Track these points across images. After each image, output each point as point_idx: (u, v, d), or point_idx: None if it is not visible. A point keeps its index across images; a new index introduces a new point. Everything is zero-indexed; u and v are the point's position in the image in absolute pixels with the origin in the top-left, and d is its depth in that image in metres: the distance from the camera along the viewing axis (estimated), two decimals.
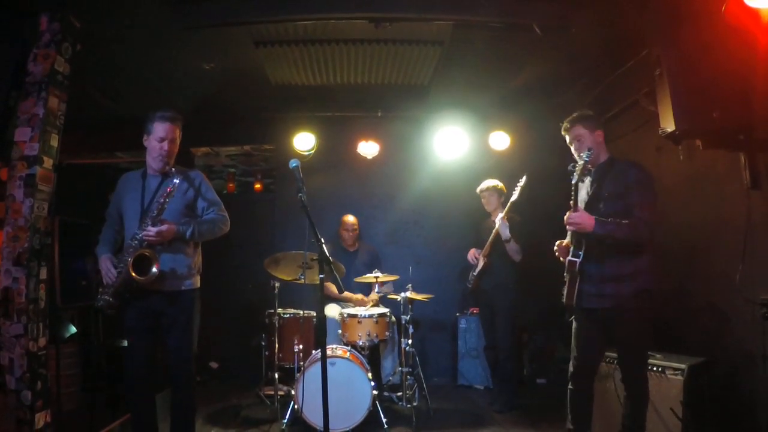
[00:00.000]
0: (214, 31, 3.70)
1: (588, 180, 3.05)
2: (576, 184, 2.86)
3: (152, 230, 2.84)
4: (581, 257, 2.86)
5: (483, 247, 4.43)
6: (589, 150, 2.86)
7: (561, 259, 3.03)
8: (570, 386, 3.01)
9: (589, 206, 2.90)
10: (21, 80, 3.14)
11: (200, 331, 3.16)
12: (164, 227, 2.87)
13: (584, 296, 2.88)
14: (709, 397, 3.19)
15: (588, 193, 2.99)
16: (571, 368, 3.00)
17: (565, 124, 3.10)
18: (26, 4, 3.19)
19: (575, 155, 3.06)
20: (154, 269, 2.85)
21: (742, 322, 3.23)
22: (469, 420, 4.22)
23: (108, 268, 2.89)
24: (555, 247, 3.05)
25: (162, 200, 2.87)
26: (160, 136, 2.97)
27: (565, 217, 2.86)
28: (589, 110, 3.17)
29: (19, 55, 3.15)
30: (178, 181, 2.93)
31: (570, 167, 2.96)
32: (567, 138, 3.11)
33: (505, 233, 4.25)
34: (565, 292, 2.97)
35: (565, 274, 2.98)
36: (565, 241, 3.01)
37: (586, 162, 2.85)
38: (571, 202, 2.85)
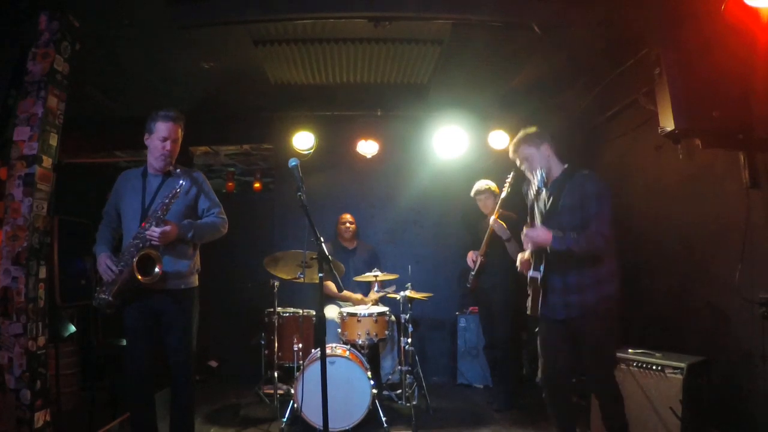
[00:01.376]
0: (214, 30, 3.70)
1: (544, 192, 3.04)
2: (531, 203, 2.91)
3: (156, 230, 2.83)
4: (542, 271, 2.87)
5: (480, 248, 4.42)
6: (541, 170, 2.89)
7: (524, 272, 3.04)
8: (545, 394, 2.99)
9: (547, 219, 2.90)
10: (20, 79, 3.13)
11: (199, 329, 3.17)
12: (168, 228, 2.86)
13: (551, 308, 2.88)
14: (708, 396, 3.19)
15: (545, 205, 2.98)
16: (540, 379, 2.99)
17: (511, 148, 3.12)
18: (25, 4, 3.19)
19: (528, 175, 3.07)
20: (157, 270, 2.85)
21: (741, 321, 3.23)
22: (469, 419, 4.23)
23: (107, 267, 2.88)
24: (517, 263, 3.08)
25: (167, 201, 2.88)
26: (162, 136, 2.97)
27: (522, 234, 2.89)
28: (531, 127, 3.16)
29: (18, 55, 3.15)
30: (184, 183, 2.94)
31: (524, 188, 3.04)
32: (517, 161, 3.12)
33: (504, 233, 4.25)
34: (529, 304, 2.97)
35: (528, 287, 2.99)
36: (526, 255, 3.01)
37: (540, 184, 2.88)
38: (528, 219, 2.92)
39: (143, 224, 2.88)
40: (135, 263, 2.80)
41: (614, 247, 2.83)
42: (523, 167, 3.09)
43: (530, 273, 2.92)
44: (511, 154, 3.14)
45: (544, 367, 2.96)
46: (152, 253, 2.85)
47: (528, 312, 2.98)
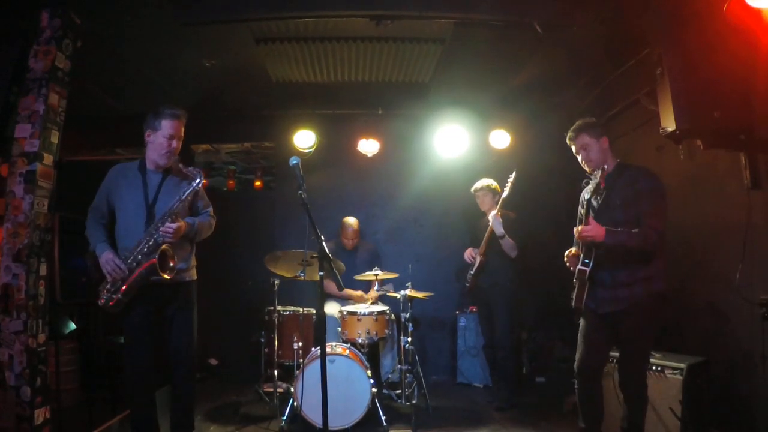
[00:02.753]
0: (215, 28, 3.70)
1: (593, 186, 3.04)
2: (588, 200, 2.85)
3: (172, 226, 2.86)
4: (590, 265, 2.86)
5: (479, 246, 4.43)
6: (603, 168, 2.86)
7: (571, 268, 3.02)
8: (576, 385, 3.01)
9: (599, 215, 2.89)
10: (21, 77, 3.14)
11: (200, 328, 3.18)
12: (182, 224, 2.92)
13: (598, 302, 2.88)
14: (708, 396, 3.19)
15: (597, 201, 2.97)
16: (576, 367, 3.01)
17: (570, 134, 3.06)
18: (27, 1, 3.18)
19: (583, 166, 3.04)
20: (172, 264, 2.89)
21: (741, 322, 3.24)
22: (468, 418, 4.22)
23: (116, 265, 2.85)
24: (565, 258, 3.05)
25: (184, 197, 2.93)
26: (169, 133, 2.99)
27: (576, 231, 2.85)
28: (591, 117, 3.13)
29: (20, 52, 3.15)
30: (199, 181, 2.99)
31: (584, 183, 2.98)
32: (573, 148, 3.07)
33: (499, 229, 4.25)
34: (574, 296, 2.97)
35: (574, 279, 2.98)
36: (574, 250, 3.01)
37: (598, 180, 2.84)
38: (582, 214, 2.86)
39: (160, 221, 2.88)
40: (157, 261, 2.81)
41: (664, 246, 2.82)
42: (578, 156, 3.04)
43: (579, 266, 2.90)
44: (567, 140, 3.08)
45: (582, 357, 2.98)
46: (168, 249, 2.88)
47: (572, 304, 2.98)
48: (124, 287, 2.84)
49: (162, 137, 2.99)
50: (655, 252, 2.80)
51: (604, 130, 3.04)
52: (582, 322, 3.02)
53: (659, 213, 2.80)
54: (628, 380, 2.90)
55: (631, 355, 2.90)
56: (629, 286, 2.80)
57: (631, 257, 2.78)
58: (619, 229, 2.75)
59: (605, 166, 2.86)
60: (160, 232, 2.85)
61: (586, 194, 3.03)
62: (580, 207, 3.19)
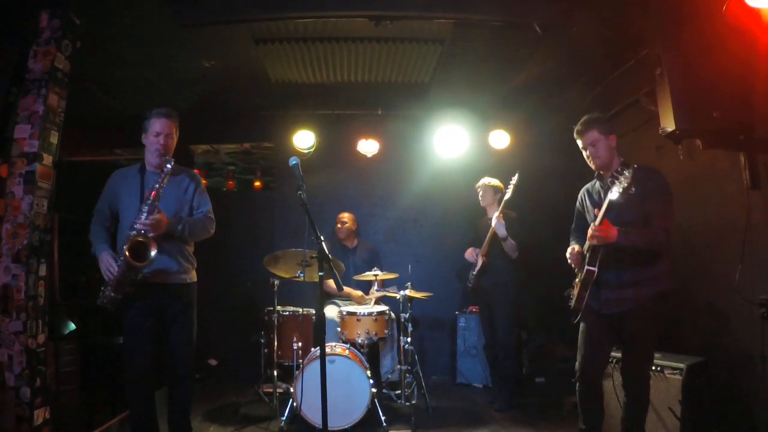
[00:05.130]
0: (215, 28, 3.70)
1: (598, 186, 3.01)
2: (610, 200, 2.67)
3: (146, 221, 2.82)
4: (598, 265, 2.80)
5: (481, 246, 4.43)
6: (633, 167, 2.63)
7: (573, 267, 2.99)
8: (578, 386, 2.99)
9: (605, 214, 2.77)
10: (21, 77, 3.14)
11: (199, 328, 3.18)
12: (158, 216, 2.85)
13: (603, 302, 2.85)
14: (708, 396, 3.19)
15: (601, 199, 2.87)
16: (578, 369, 2.98)
17: (578, 128, 2.95)
18: (27, 1, 3.19)
19: (589, 162, 2.97)
20: (153, 253, 2.83)
21: (740, 322, 3.24)
22: (468, 418, 4.22)
23: (109, 264, 2.87)
24: (567, 255, 3.02)
25: (157, 186, 2.87)
26: (156, 131, 3.02)
27: (590, 231, 2.74)
28: (600, 113, 3.03)
29: (19, 52, 3.16)
30: (170, 167, 2.93)
31: (609, 181, 2.76)
32: (579, 143, 2.98)
33: (502, 231, 4.25)
34: (574, 296, 2.94)
35: (576, 280, 2.95)
36: (577, 248, 2.98)
37: (627, 184, 2.62)
38: (597, 214, 2.73)
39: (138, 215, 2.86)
40: (127, 252, 2.77)
41: (670, 246, 2.79)
42: (585, 152, 2.96)
43: (586, 266, 2.83)
44: (575, 134, 2.98)
45: (584, 359, 2.94)
46: (142, 238, 2.82)
47: (572, 303, 2.95)
48: (115, 284, 2.84)
49: (151, 136, 3.02)
50: (663, 252, 2.78)
51: (613, 128, 2.97)
52: (582, 323, 2.99)
53: (668, 212, 2.77)
54: (631, 381, 2.88)
55: (636, 356, 2.88)
56: (635, 287, 2.77)
57: (638, 258, 2.76)
58: (629, 229, 2.70)
59: (635, 166, 2.67)
60: (138, 225, 2.84)
61: (593, 194, 2.99)
62: (578, 204, 3.18)
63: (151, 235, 2.84)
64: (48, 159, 3.15)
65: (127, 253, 2.77)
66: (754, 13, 2.66)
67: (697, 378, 3.15)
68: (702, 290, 3.63)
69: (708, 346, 3.46)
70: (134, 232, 2.84)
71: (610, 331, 2.90)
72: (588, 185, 3.15)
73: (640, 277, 2.78)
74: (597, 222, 2.71)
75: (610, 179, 2.75)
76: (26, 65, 3.14)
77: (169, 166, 2.93)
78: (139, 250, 2.82)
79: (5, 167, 3.12)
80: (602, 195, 2.91)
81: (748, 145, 3.05)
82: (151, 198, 2.86)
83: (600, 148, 2.90)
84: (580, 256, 2.94)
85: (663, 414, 3.11)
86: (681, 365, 3.12)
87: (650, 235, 2.71)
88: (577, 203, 3.20)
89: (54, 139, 3.20)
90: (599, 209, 2.74)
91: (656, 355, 3.26)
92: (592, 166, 2.98)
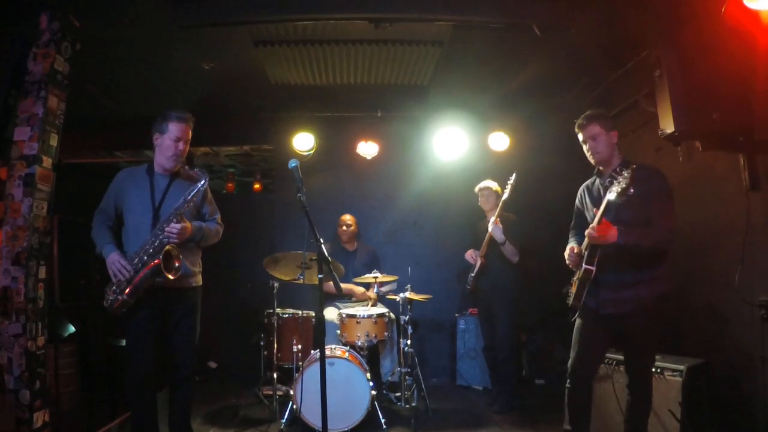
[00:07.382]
0: (214, 30, 3.71)
1: (598, 184, 2.98)
2: (608, 200, 2.64)
3: (177, 226, 2.86)
4: (596, 265, 2.77)
5: (480, 248, 4.43)
6: (633, 167, 2.58)
7: (571, 266, 2.96)
8: (568, 385, 2.96)
9: (605, 213, 2.73)
10: (21, 79, 3.14)
11: (199, 330, 3.18)
12: (187, 225, 2.92)
13: (601, 302, 2.82)
14: (708, 398, 3.19)
15: (600, 198, 2.83)
16: (570, 366, 2.95)
17: (580, 121, 2.92)
18: (26, 3, 3.19)
19: (588, 157, 2.93)
20: (177, 265, 2.88)
21: (740, 324, 3.23)
22: (468, 420, 4.22)
23: (121, 266, 2.84)
24: (566, 255, 2.99)
25: (190, 198, 2.94)
26: (176, 136, 3.00)
27: (588, 231, 2.71)
28: (603, 109, 3.01)
29: (19, 55, 3.16)
30: (205, 182, 3.01)
31: (607, 181, 2.76)
32: (580, 136, 2.94)
33: (500, 236, 4.23)
34: (572, 294, 2.90)
35: (574, 278, 2.93)
36: (576, 248, 2.94)
37: (626, 185, 2.57)
38: (596, 214, 2.69)
39: (165, 222, 2.88)
40: (161, 261, 2.79)
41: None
42: (585, 145, 2.92)
43: (585, 265, 2.80)
44: (576, 128, 2.95)
45: (577, 357, 2.92)
46: (172, 249, 2.87)
47: (570, 301, 2.92)
48: (128, 288, 2.82)
49: (169, 140, 3.00)
50: (665, 252, 2.75)
51: (615, 125, 2.94)
52: (578, 321, 2.96)
53: (670, 212, 2.74)
54: (635, 382, 2.87)
55: (638, 357, 2.87)
56: (634, 288, 2.75)
57: (638, 258, 2.73)
58: (630, 229, 2.67)
59: (635, 165, 2.64)
60: (165, 233, 2.85)
61: (593, 191, 2.97)
62: (577, 202, 3.16)
63: (175, 242, 2.87)
64: (47, 161, 3.15)
65: (161, 264, 2.79)
66: (753, 14, 2.67)
67: (697, 380, 3.15)
68: (702, 292, 3.63)
69: (708, 348, 3.46)
70: (157, 238, 2.85)
71: (606, 331, 2.88)
72: (588, 182, 3.11)
73: (640, 278, 2.75)
74: (595, 222, 2.70)
75: (608, 179, 2.75)
76: (26, 67, 3.14)
77: (204, 181, 3.01)
78: (168, 260, 2.85)
79: (5, 170, 3.12)
80: (602, 192, 2.87)
81: (747, 147, 3.05)
82: (183, 208, 2.91)
83: (600, 142, 2.87)
84: (579, 256, 2.91)
85: (663, 416, 3.11)
86: (681, 367, 3.12)
87: (652, 234, 2.68)
88: (577, 200, 3.17)
89: (53, 141, 3.20)
90: (598, 208, 2.72)
91: (656, 356, 3.27)
92: (592, 161, 2.94)
